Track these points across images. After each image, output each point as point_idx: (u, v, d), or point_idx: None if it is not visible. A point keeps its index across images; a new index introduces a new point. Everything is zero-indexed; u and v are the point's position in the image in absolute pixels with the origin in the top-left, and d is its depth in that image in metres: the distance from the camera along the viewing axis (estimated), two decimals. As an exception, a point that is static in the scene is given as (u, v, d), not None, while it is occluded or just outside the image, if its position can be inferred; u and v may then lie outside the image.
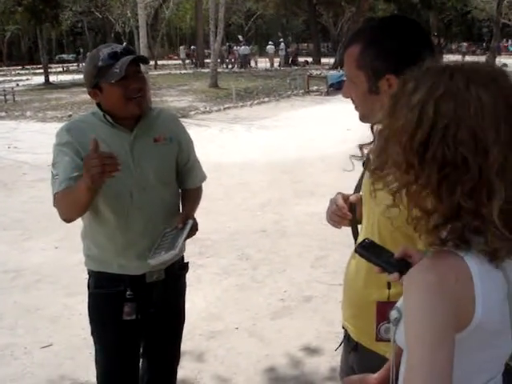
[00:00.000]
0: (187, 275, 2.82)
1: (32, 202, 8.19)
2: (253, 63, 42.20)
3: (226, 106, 19.36)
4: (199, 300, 4.72)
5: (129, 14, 31.45)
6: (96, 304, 2.61)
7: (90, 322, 2.66)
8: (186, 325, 2.87)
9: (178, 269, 2.71)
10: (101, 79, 2.33)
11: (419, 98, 1.12)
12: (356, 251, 1.51)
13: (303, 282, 5.07)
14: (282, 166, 10.07)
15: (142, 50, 18.28)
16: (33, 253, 6.23)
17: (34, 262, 5.92)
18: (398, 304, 1.25)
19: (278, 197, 8.15)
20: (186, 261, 2.79)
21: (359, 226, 1.98)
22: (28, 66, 49.43)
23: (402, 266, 1.40)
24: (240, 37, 49.87)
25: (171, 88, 25.47)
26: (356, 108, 1.79)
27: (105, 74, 2.31)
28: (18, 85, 29.61)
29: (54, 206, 2.40)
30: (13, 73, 42.10)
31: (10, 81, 33.07)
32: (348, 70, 1.75)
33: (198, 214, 2.65)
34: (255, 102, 20.44)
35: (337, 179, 7.27)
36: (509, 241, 1.11)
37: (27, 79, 35.61)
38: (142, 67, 2.50)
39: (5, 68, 48.16)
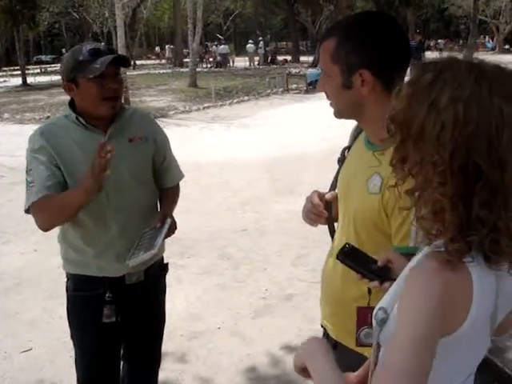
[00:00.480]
0: (168, 276, 2.81)
1: (10, 205, 8.09)
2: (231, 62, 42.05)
3: (206, 105, 19.32)
4: (180, 300, 4.71)
5: (106, 14, 31.28)
6: (75, 307, 2.59)
7: (70, 325, 2.64)
8: (166, 325, 2.86)
9: (158, 269, 2.70)
10: (79, 73, 2.30)
11: (447, 99, 1.08)
12: (337, 258, 1.51)
13: (284, 281, 5.07)
14: (262, 164, 10.08)
15: (120, 49, 18.17)
16: (12, 256, 6.18)
17: (13, 265, 5.87)
18: (384, 304, 1.23)
19: (258, 195, 8.15)
20: (165, 261, 2.78)
21: (335, 224, 1.99)
22: (5, 68, 48.85)
23: (384, 273, 1.41)
24: (219, 36, 49.82)
25: (150, 88, 25.35)
26: (331, 104, 1.78)
27: (84, 68, 2.28)
28: (-6, 87, 29.31)
29: (29, 213, 2.40)
30: (-11, 75, 41.66)
31: (-13, 83, 32.72)
32: (323, 64, 1.74)
33: (178, 214, 2.64)
34: (235, 101, 20.43)
35: (317, 177, 7.28)
36: None
37: (4, 81, 35.21)
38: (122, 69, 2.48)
39: (-19, 70, 47.67)
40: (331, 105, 1.78)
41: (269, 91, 22.67)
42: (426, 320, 1.08)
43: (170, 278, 2.86)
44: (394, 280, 1.36)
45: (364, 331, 1.53)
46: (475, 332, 1.17)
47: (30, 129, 11.50)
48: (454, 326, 1.12)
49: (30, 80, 32.31)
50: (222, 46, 39.93)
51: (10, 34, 35.86)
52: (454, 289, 1.10)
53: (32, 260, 6.02)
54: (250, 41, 42.52)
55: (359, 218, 1.71)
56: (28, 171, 2.38)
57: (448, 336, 1.13)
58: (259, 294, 4.88)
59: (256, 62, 40.45)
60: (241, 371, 3.74)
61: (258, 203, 7.78)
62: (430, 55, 45.20)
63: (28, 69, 36.84)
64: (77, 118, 2.39)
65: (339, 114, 1.78)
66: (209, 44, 46.09)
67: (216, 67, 38.68)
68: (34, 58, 57.99)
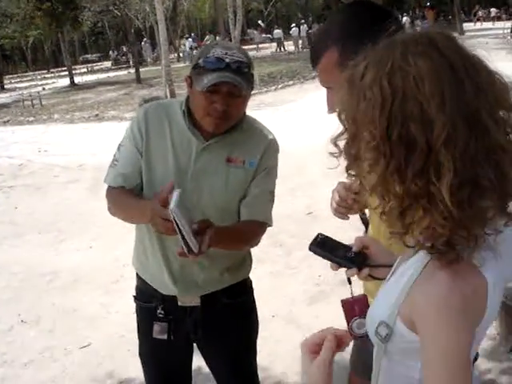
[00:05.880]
0: None
1: (65, 204, 8.27)
2: (268, 47, 41.91)
3: (251, 92, 19.26)
4: (234, 290, 4.69)
5: (147, 9, 31.55)
6: (137, 311, 2.43)
7: None
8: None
9: (224, 297, 2.31)
10: (193, 76, 2.04)
11: (371, 78, 1.05)
12: (310, 249, 1.46)
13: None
14: (311, 147, 9.97)
15: (163, 43, 18.30)
16: (68, 254, 6.29)
17: (69, 263, 5.97)
18: (384, 318, 1.17)
19: (309, 180, 8.08)
20: (244, 282, 2.42)
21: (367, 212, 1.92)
22: (53, 70, 50.12)
23: (360, 259, 1.39)
24: (260, 22, 49.65)
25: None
26: None
27: (197, 74, 2.00)
28: (44, 89, 29.96)
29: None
30: (38, 77, 42.72)
31: (36, 85, 33.49)
32: (332, 79, 1.61)
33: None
34: (279, 86, 20.35)
35: (366, 158, 7.17)
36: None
37: (53, 82, 36.06)
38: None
39: (30, 73, 48.99)
40: None
41: (314, 74, 22.43)
42: (457, 337, 1.06)
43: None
44: (372, 266, 1.37)
45: (355, 322, 1.48)
46: (487, 324, 1.15)
47: (80, 128, 11.72)
48: (478, 323, 1.09)
49: (77, 80, 33.01)
50: (276, 31, 41.02)
51: (55, 36, 36.53)
52: (472, 299, 1.06)
53: (88, 257, 6.11)
54: (293, 24, 42.19)
55: None
56: (119, 146, 2.20)
57: (475, 332, 1.10)
58: (313, 280, 4.82)
59: (300, 46, 40.14)
60: (297, 359, 3.68)
61: (308, 188, 7.71)
62: (479, 25, 44.11)
63: (75, 69, 37.71)
64: (184, 112, 2.12)
65: None
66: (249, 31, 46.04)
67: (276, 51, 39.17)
68: (81, 58, 59.26)
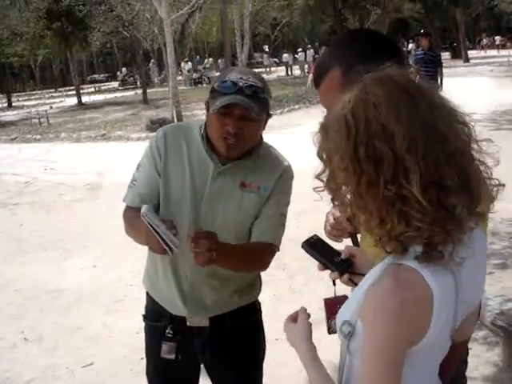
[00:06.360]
0: None
1: (70, 222, 8.30)
2: (275, 71, 42.34)
3: (257, 115, 19.28)
4: (237, 312, 4.69)
5: (156, 31, 31.78)
6: (145, 330, 2.47)
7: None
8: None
9: (232, 318, 2.33)
10: (209, 100, 2.09)
11: (337, 115, 1.20)
12: (302, 247, 1.54)
13: (342, 289, 4.97)
14: (316, 171, 10.00)
15: (171, 65, 18.44)
16: (72, 272, 6.30)
17: (73, 281, 5.98)
18: (348, 317, 1.27)
19: (313, 204, 8.06)
20: (256, 304, 2.49)
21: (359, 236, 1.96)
22: (61, 89, 50.51)
23: (345, 266, 1.49)
24: (265, 48, 50.05)
25: (201, 101, 25.56)
26: None
27: (212, 98, 2.06)
28: (51, 107, 30.14)
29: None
30: (46, 96, 42.99)
31: (44, 104, 33.70)
32: (334, 100, 1.54)
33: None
34: (285, 110, 20.41)
35: (371, 183, 7.17)
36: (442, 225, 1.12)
37: (60, 101, 36.28)
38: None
39: (38, 92, 49.32)
40: None
41: (319, 99, 22.50)
42: (389, 338, 1.15)
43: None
44: (353, 273, 1.48)
45: (335, 321, 1.55)
46: (438, 338, 1.21)
47: (87, 147, 11.76)
48: (419, 338, 1.17)
49: (84, 99, 33.21)
50: (285, 55, 42.93)
51: (64, 56, 36.86)
52: (412, 306, 1.14)
53: (91, 276, 6.12)
54: (300, 49, 42.52)
55: None
56: (138, 166, 2.24)
57: (414, 346, 1.17)
58: (316, 304, 4.78)
59: (306, 70, 40.36)
60: (301, 382, 3.70)
61: (312, 212, 7.70)
62: (482, 53, 44.34)
63: (83, 88, 37.94)
64: (202, 136, 2.15)
65: None
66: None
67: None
68: (88, 78, 59.72)
